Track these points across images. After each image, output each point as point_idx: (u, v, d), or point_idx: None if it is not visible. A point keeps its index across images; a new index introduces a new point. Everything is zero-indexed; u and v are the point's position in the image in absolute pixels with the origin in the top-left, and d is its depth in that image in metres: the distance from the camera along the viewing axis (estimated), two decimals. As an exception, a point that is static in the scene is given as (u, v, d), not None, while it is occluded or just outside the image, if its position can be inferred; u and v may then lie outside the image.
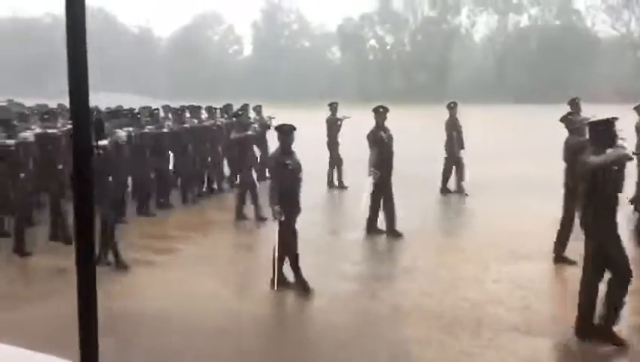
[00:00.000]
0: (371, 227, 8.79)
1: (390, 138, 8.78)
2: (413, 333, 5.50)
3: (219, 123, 11.49)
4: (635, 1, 61.19)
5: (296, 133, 6.48)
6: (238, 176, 9.98)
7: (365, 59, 67.73)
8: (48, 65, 57.51)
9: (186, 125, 10.49)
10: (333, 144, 12.52)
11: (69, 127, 9.35)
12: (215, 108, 12.10)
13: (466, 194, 11.75)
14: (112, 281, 6.80)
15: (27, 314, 5.86)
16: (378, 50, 69.06)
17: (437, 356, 5.06)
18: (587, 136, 6.82)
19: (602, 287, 5.23)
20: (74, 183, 1.35)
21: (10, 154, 7.44)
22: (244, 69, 72.18)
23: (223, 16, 79.03)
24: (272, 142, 12.90)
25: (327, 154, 12.47)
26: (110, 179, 6.97)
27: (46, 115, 8.93)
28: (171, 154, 10.59)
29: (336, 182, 12.65)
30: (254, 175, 9.81)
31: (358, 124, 12.61)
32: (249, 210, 9.77)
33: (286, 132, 6.42)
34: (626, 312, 5.25)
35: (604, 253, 5.08)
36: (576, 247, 7.19)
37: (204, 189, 11.62)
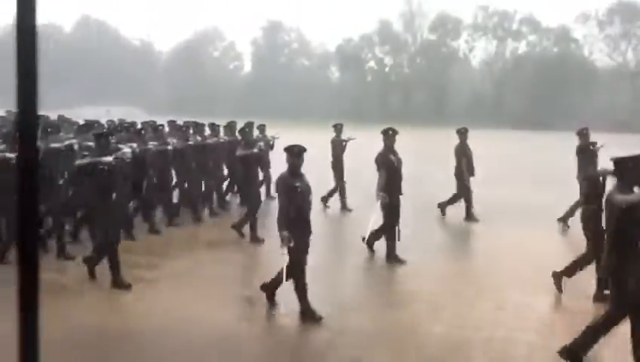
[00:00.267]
0: (391, 255, 8.51)
1: (399, 161, 8.62)
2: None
3: (222, 140, 11.47)
4: (633, 32, 61.91)
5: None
6: (244, 194, 9.88)
7: (364, 80, 68.14)
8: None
9: (190, 142, 10.46)
10: (338, 165, 12.42)
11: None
12: (218, 126, 12.07)
13: (477, 220, 11.55)
14: (113, 300, 6.76)
15: None
16: (377, 71, 69.52)
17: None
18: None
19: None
20: (19, 198, 1.28)
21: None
22: (243, 86, 72.49)
23: (224, 32, 79.75)
24: (274, 162, 13.03)
25: (327, 175, 12.37)
26: (114, 196, 6.86)
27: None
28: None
29: (329, 203, 12.53)
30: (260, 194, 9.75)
31: (356, 145, 12.65)
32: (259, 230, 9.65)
33: (296, 153, 6.16)
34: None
35: (630, 303, 4.84)
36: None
37: (211, 207, 11.57)
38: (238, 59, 79.79)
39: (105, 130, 10.03)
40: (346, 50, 68.61)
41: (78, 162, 7.03)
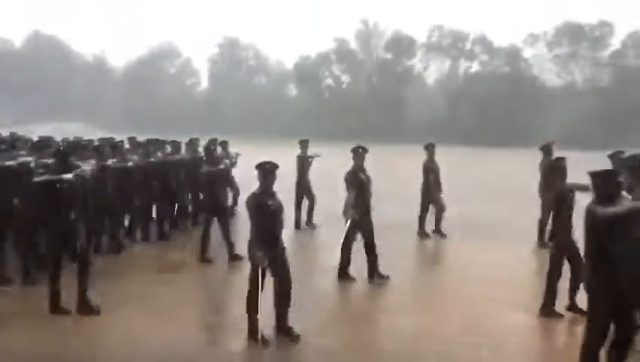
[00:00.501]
0: (343, 272, 8.47)
1: (369, 180, 8.53)
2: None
3: (184, 157, 11.27)
4: (580, 52, 64.14)
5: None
6: (206, 212, 9.66)
7: (321, 98, 68.51)
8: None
9: (152, 159, 10.24)
10: (303, 182, 12.21)
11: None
12: (179, 142, 11.85)
13: (444, 235, 11.56)
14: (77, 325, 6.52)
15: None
16: (334, 88, 70.02)
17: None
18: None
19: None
20: None
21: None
22: (200, 103, 71.88)
23: (180, 48, 79.06)
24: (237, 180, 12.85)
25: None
26: (73, 216, 6.62)
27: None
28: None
29: (302, 222, 12.33)
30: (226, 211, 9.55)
31: (316, 161, 12.57)
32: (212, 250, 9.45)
33: (268, 171, 6.05)
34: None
35: (611, 317, 4.85)
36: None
37: (172, 225, 11.35)
38: (195, 75, 79.20)
39: (63, 147, 9.72)
40: (304, 68, 68.96)
41: (37, 179, 6.75)
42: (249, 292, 6.01)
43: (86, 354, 5.87)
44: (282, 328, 6.17)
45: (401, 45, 67.79)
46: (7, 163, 8.31)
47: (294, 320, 6.30)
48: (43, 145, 10.41)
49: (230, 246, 9.31)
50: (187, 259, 9.51)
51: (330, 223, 12.05)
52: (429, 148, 11.78)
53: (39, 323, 6.59)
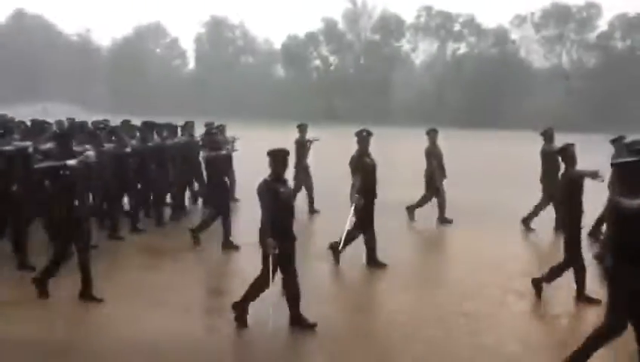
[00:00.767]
0: (372, 259, 8.38)
1: (374, 164, 8.34)
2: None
3: (181, 141, 11.14)
4: (566, 34, 64.32)
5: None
6: (210, 199, 9.53)
7: (309, 79, 68.22)
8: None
9: (150, 144, 10.13)
10: (301, 167, 12.04)
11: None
12: (176, 126, 11.72)
13: (450, 221, 11.37)
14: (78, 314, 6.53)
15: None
16: (322, 69, 69.72)
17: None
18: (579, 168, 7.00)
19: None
20: None
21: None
22: (186, 83, 71.24)
23: (166, 28, 78.18)
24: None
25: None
26: (76, 203, 6.56)
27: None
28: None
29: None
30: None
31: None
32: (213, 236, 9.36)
33: (280, 157, 5.91)
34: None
35: (631, 305, 4.78)
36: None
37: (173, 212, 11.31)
38: (182, 56, 78.33)
39: (64, 131, 9.63)
40: (292, 48, 68.51)
41: (39, 165, 6.68)
42: (256, 280, 6.00)
43: (85, 342, 5.86)
44: (297, 319, 6.08)
45: (390, 26, 67.55)
46: (4, 148, 8.20)
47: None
48: (38, 128, 10.31)
49: (227, 233, 9.18)
50: (184, 245, 9.46)
51: (326, 208, 12.11)
52: (431, 134, 11.60)
53: (38, 310, 6.54)
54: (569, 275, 7.19)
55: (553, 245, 10.12)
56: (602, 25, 63.01)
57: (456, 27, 67.85)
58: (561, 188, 7.12)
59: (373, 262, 8.40)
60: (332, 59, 70.32)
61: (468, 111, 58.33)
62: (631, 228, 4.67)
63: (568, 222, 6.94)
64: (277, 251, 5.76)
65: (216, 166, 9.19)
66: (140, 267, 8.39)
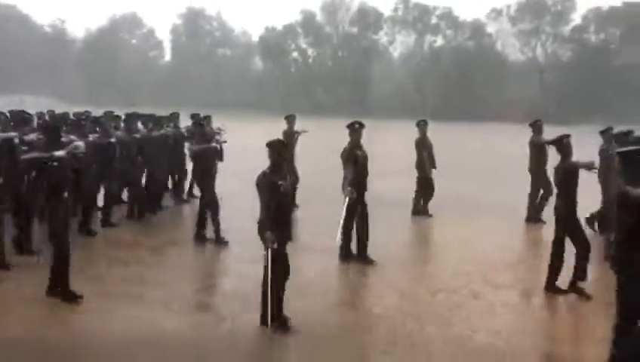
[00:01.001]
0: (347, 252, 8.31)
1: (365, 157, 8.24)
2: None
3: (167, 133, 11.07)
4: (542, 28, 65.06)
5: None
6: (200, 192, 9.36)
7: (287, 71, 68.01)
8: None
9: (136, 135, 10.06)
10: (289, 158, 11.60)
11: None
12: (161, 118, 11.57)
13: (430, 215, 11.50)
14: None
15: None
16: (300, 62, 69.54)
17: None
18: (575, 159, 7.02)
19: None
20: None
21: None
22: (163, 75, 70.54)
23: (142, 19, 77.27)
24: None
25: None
26: (66, 195, 6.50)
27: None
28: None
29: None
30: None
31: (278, 135, 12.10)
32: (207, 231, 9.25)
33: (279, 149, 5.80)
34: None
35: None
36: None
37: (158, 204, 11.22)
38: (158, 47, 77.49)
39: (50, 122, 9.54)
40: (269, 40, 68.17)
41: (26, 157, 6.60)
42: (264, 277, 5.86)
43: (78, 340, 5.79)
44: (278, 317, 5.94)
45: (368, 19, 67.62)
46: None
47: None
48: (19, 119, 10.15)
49: (218, 229, 9.09)
50: (174, 238, 9.39)
51: (308, 201, 12.14)
52: (421, 125, 11.63)
53: (15, 308, 6.45)
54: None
55: (538, 235, 10.35)
56: (576, 19, 63.99)
57: (434, 20, 68.16)
58: (557, 178, 7.14)
59: (363, 257, 8.33)
60: (310, 51, 70.22)
61: (445, 104, 58.73)
62: (637, 216, 4.70)
63: (564, 211, 7.00)
64: (276, 246, 5.65)
65: (206, 158, 9.05)
66: (114, 261, 8.22)
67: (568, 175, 7.01)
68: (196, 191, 11.24)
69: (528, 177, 11.30)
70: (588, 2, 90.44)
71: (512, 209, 11.78)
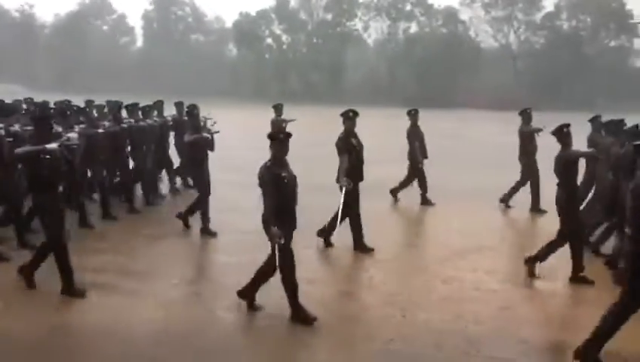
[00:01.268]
0: (358, 243, 8.32)
1: (361, 145, 8.20)
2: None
3: (154, 123, 10.85)
4: (514, 15, 65.50)
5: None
6: (196, 183, 9.27)
7: (262, 58, 67.43)
8: None
9: (124, 125, 9.85)
10: None
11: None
12: (148, 107, 11.38)
13: (433, 204, 11.47)
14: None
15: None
16: (275, 49, 68.98)
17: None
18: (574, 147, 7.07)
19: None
20: None
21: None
22: (135, 62, 69.33)
23: (112, 4, 75.65)
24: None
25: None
26: (61, 189, 6.32)
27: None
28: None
29: None
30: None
31: (254, 122, 12.00)
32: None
33: (282, 140, 5.66)
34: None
35: None
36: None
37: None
38: (130, 33, 76.00)
39: (41, 113, 9.28)
40: (244, 26, 67.41)
41: (19, 151, 6.38)
42: (263, 269, 5.88)
43: (79, 337, 5.75)
44: (294, 311, 5.93)
45: (342, 5, 67.27)
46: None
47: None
48: (7, 109, 9.86)
49: (205, 218, 9.04)
50: (168, 230, 9.33)
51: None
52: (412, 114, 11.56)
53: (16, 303, 6.39)
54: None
55: (529, 224, 10.50)
56: (549, 6, 64.50)
57: (408, 7, 68.11)
58: (557, 168, 7.18)
59: (359, 246, 8.33)
60: (285, 38, 69.63)
61: (419, 91, 58.88)
62: None
63: (565, 200, 7.10)
64: (283, 241, 5.53)
65: (200, 148, 8.90)
66: (121, 254, 8.19)
67: (568, 164, 7.06)
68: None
69: (507, 164, 11.44)
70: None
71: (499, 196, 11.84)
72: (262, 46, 68.26)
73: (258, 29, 67.87)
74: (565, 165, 7.05)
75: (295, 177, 5.86)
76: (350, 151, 8.03)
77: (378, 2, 68.22)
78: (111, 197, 10.18)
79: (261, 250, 7.82)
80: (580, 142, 8.16)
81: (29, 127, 8.13)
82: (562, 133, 7.14)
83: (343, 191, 7.87)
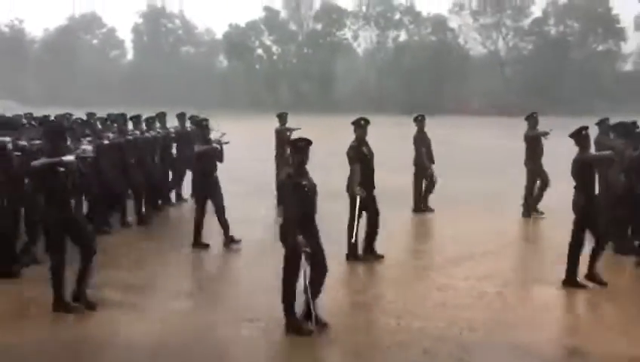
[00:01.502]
0: (356, 251, 8.21)
1: (372, 153, 8.13)
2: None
3: (157, 135, 10.83)
4: (502, 22, 66.07)
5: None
6: (200, 194, 9.16)
7: (252, 69, 67.54)
8: None
9: (130, 137, 9.84)
10: (282, 156, 11.61)
11: None
12: (152, 118, 11.27)
13: (432, 210, 11.46)
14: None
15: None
16: (265, 59, 69.11)
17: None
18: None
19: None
20: None
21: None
22: (125, 75, 69.24)
23: (102, 18, 75.64)
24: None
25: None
26: (73, 203, 6.30)
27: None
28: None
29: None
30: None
31: (248, 133, 11.84)
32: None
33: (302, 148, 5.57)
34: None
35: None
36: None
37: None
38: (120, 47, 76.04)
39: (54, 126, 9.25)
40: (234, 38, 67.54)
41: (35, 163, 6.34)
42: (285, 280, 5.73)
43: (83, 351, 5.69)
44: (311, 315, 5.81)
45: (331, 16, 67.57)
46: None
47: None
48: (7, 122, 9.83)
49: (225, 228, 8.91)
50: (173, 244, 9.26)
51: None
52: (419, 120, 11.55)
53: (31, 318, 6.32)
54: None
55: (523, 230, 10.52)
56: (537, 12, 65.15)
57: (397, 16, 68.51)
58: (574, 171, 7.13)
59: (372, 253, 8.30)
60: (275, 48, 69.79)
61: (409, 98, 59.10)
62: None
63: (583, 203, 7.03)
64: (309, 249, 5.45)
65: (209, 159, 8.88)
66: (126, 267, 8.09)
67: (585, 167, 7.02)
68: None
69: (500, 169, 11.38)
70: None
71: (503, 202, 11.86)
72: (252, 57, 68.41)
73: (248, 40, 68.03)
74: (582, 168, 6.99)
75: (315, 186, 5.80)
76: (362, 159, 8.00)
77: (367, 11, 68.64)
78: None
79: (261, 262, 8.00)
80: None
81: (37, 141, 8.13)
82: (580, 136, 7.07)
83: (358, 201, 7.80)
